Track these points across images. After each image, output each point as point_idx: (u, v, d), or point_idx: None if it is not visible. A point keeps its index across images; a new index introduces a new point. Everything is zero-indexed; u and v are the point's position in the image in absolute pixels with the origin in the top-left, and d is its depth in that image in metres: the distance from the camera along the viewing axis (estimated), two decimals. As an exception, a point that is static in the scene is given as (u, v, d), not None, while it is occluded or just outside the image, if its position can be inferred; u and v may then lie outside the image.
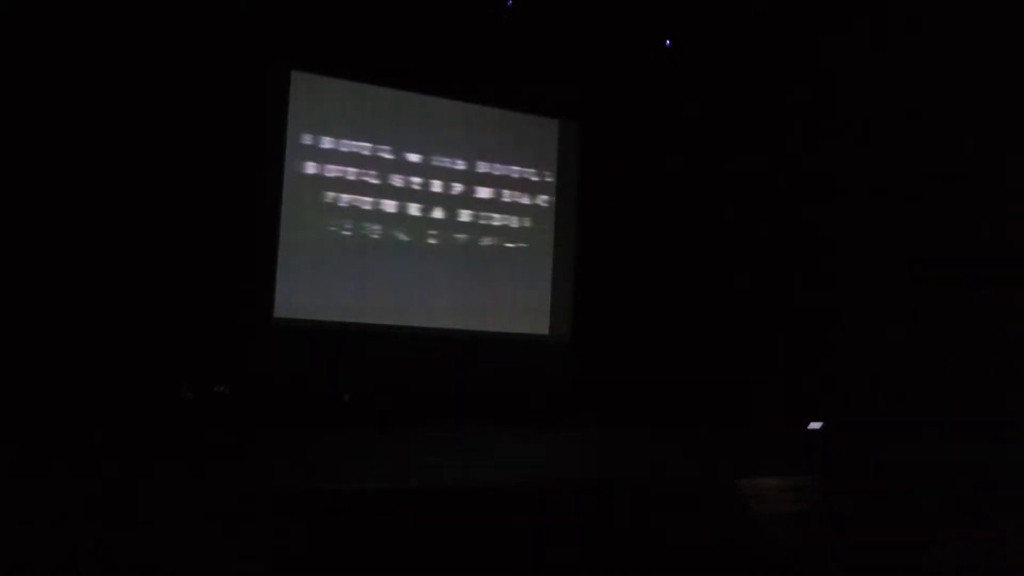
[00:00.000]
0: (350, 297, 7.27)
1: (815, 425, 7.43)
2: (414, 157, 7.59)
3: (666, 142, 8.25)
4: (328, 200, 7.27)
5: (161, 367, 6.33)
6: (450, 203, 7.73)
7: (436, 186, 7.68)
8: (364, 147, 7.42)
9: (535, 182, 8.14)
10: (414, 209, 7.58)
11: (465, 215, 7.80)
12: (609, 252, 8.17)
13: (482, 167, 7.89)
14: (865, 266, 7.65)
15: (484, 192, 7.89)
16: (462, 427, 6.18)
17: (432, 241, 7.65)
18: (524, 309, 7.98)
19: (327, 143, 7.28)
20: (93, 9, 6.24)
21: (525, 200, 8.08)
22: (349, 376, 6.99)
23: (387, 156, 7.51)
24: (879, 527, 3.72)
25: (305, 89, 7.19)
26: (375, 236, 7.42)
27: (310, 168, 7.22)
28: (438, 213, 7.68)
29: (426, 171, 7.65)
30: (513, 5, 7.46)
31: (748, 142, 8.31)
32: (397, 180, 7.53)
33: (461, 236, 7.77)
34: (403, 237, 7.52)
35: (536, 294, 8.06)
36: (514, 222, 8.02)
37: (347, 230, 7.33)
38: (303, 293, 7.09)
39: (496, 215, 7.93)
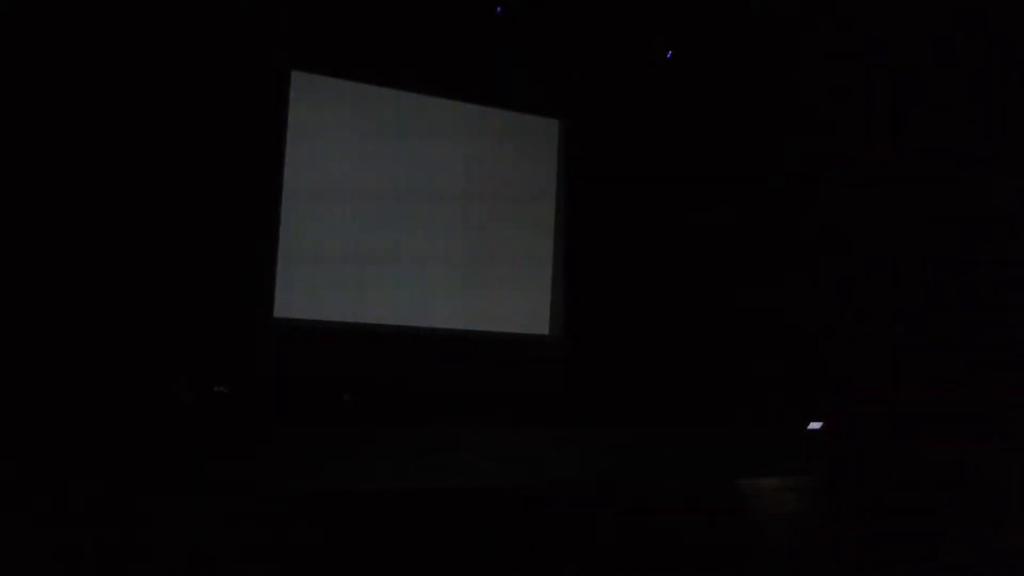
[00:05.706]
0: (350, 297, 7.27)
1: (815, 425, 7.43)
2: (414, 157, 7.59)
3: (666, 142, 8.24)
4: (328, 199, 7.26)
5: (160, 367, 6.33)
6: (450, 203, 7.73)
7: (436, 186, 7.67)
8: (364, 146, 7.41)
9: (535, 182, 8.13)
10: (414, 209, 7.57)
11: (465, 215, 7.79)
12: (608, 252, 8.16)
13: (482, 167, 7.88)
14: (865, 266, 7.65)
15: (484, 192, 7.88)
16: (462, 427, 6.17)
17: (432, 241, 7.64)
18: (524, 309, 7.98)
19: (327, 142, 7.27)
20: (92, 9, 6.24)
21: (525, 200, 8.07)
22: (349, 376, 6.98)
23: (387, 156, 7.50)
24: (879, 527, 3.72)
25: (305, 89, 7.19)
26: (374, 236, 7.41)
27: (310, 167, 7.21)
28: (438, 213, 7.67)
29: (426, 171, 7.64)
30: (502, 13, 7.45)
31: (747, 142, 8.30)
32: (396, 179, 7.53)
33: (461, 236, 7.76)
34: (403, 237, 7.51)
35: (536, 294, 8.05)
36: (514, 222, 8.00)
37: (347, 229, 7.32)
38: (303, 293, 7.08)
39: (496, 215, 7.92)
